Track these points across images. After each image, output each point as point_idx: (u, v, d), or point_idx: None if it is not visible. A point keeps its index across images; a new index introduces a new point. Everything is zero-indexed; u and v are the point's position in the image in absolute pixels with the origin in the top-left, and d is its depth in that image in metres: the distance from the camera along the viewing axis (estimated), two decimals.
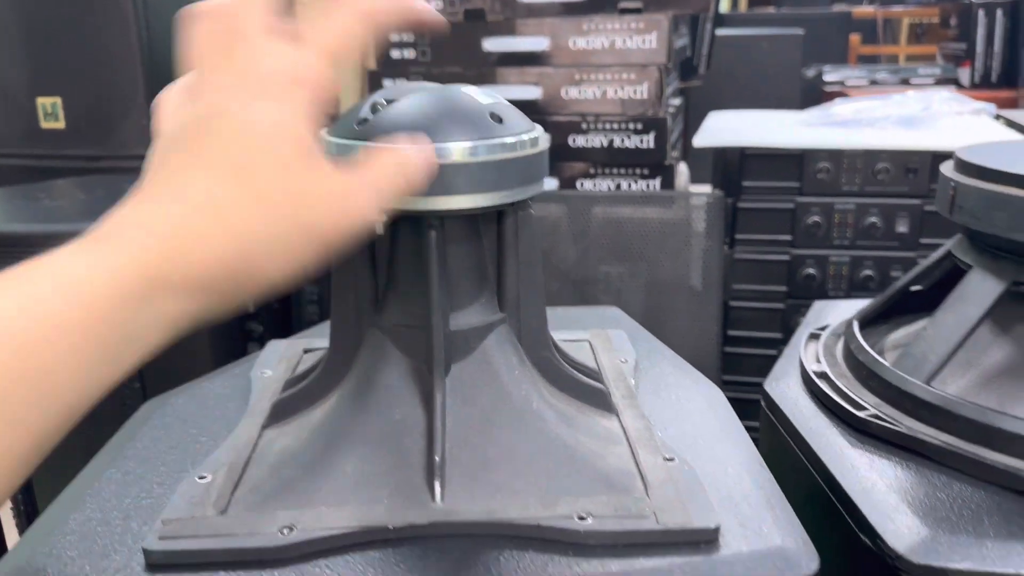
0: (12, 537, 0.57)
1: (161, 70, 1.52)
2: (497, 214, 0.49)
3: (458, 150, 0.44)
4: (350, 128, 0.46)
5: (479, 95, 0.48)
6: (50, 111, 1.52)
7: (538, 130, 0.48)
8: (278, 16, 0.38)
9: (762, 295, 1.45)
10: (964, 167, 0.54)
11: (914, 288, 0.64)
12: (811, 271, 1.41)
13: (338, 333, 0.51)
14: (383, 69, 1.50)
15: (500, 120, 0.46)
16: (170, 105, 0.38)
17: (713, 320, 1.46)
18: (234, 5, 0.38)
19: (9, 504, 0.56)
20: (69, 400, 0.30)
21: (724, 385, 1.49)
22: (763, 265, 1.43)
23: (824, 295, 1.41)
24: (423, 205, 0.45)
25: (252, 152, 0.34)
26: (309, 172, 0.35)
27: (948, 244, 0.59)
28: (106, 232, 0.33)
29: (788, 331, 1.46)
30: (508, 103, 0.49)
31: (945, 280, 0.61)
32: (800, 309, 1.48)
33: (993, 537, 0.42)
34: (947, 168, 0.57)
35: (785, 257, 1.42)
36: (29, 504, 0.57)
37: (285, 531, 0.41)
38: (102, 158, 1.51)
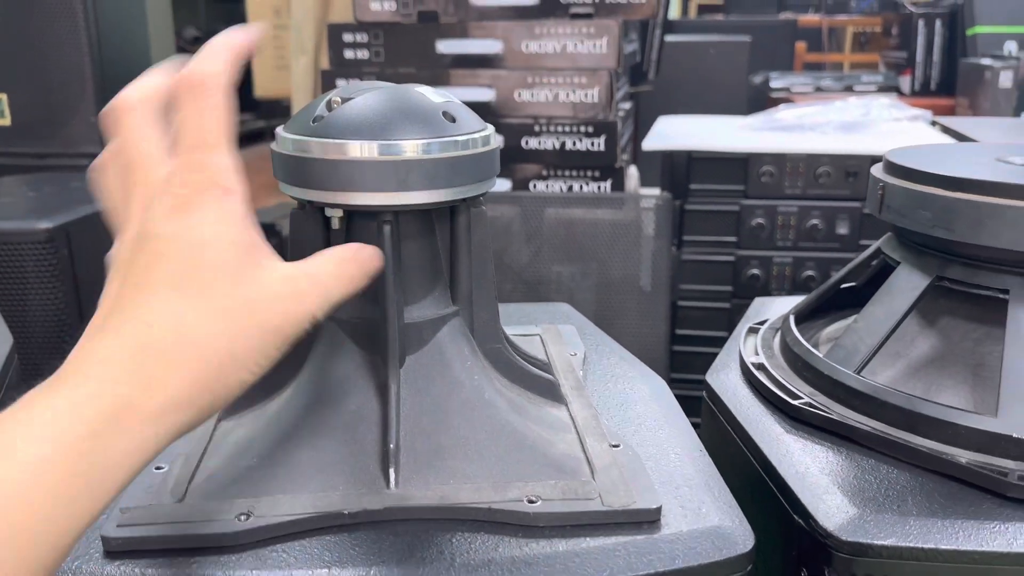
0: None
1: (110, 67, 1.51)
2: (450, 210, 0.51)
3: (412, 147, 0.46)
4: (306, 125, 0.47)
5: (432, 94, 0.49)
6: None
7: (489, 129, 0.50)
8: (161, 125, 0.39)
9: (709, 295, 1.49)
10: (892, 168, 0.58)
11: (847, 285, 0.67)
12: (755, 271, 1.45)
13: None
14: (336, 69, 1.51)
15: (453, 119, 0.48)
16: (116, 257, 0.39)
17: (662, 319, 1.49)
18: (123, 142, 0.39)
19: None
20: (50, 539, 0.31)
21: (672, 383, 1.52)
22: (709, 266, 1.47)
23: (768, 295, 1.45)
24: (378, 201, 0.46)
25: (199, 267, 0.35)
26: (257, 272, 0.37)
27: (879, 242, 0.62)
28: (71, 371, 0.33)
29: (733, 329, 1.49)
30: (460, 103, 0.50)
31: (876, 278, 0.65)
32: (745, 308, 1.52)
33: (916, 515, 0.45)
34: (877, 170, 0.60)
35: (730, 258, 1.46)
36: None
37: (242, 517, 0.42)
38: (49, 156, 1.49)
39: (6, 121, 1.49)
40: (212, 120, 0.38)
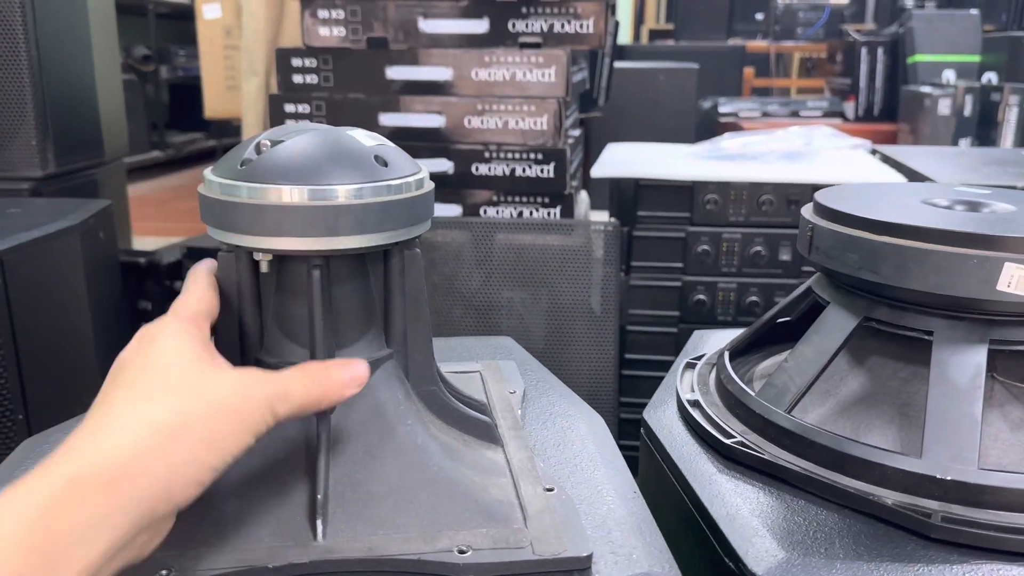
0: None
1: (52, 88, 1.48)
2: (384, 252, 0.51)
3: (343, 192, 0.46)
4: (234, 168, 0.47)
5: (364, 138, 0.49)
6: None
7: (423, 172, 0.50)
8: None
9: (656, 320, 1.50)
10: (820, 210, 0.59)
11: (781, 320, 0.68)
12: (701, 297, 1.47)
13: None
14: (285, 94, 1.50)
15: (385, 163, 0.48)
16: None
17: (611, 344, 1.50)
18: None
19: None
20: None
21: (621, 407, 1.53)
22: (657, 291, 1.48)
23: (713, 320, 1.48)
24: (308, 246, 0.46)
25: (148, 371, 0.40)
26: (205, 367, 0.41)
27: (809, 281, 0.63)
28: (49, 463, 0.36)
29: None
30: (394, 146, 0.50)
31: (810, 313, 0.66)
32: (691, 333, 1.55)
33: (843, 558, 0.46)
34: (807, 211, 0.61)
35: (677, 283, 1.47)
36: None
37: (163, 573, 0.41)
38: None
39: None
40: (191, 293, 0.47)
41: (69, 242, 1.21)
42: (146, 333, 0.43)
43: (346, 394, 0.45)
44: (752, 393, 0.57)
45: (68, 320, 1.22)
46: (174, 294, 1.59)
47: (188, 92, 3.87)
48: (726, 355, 0.63)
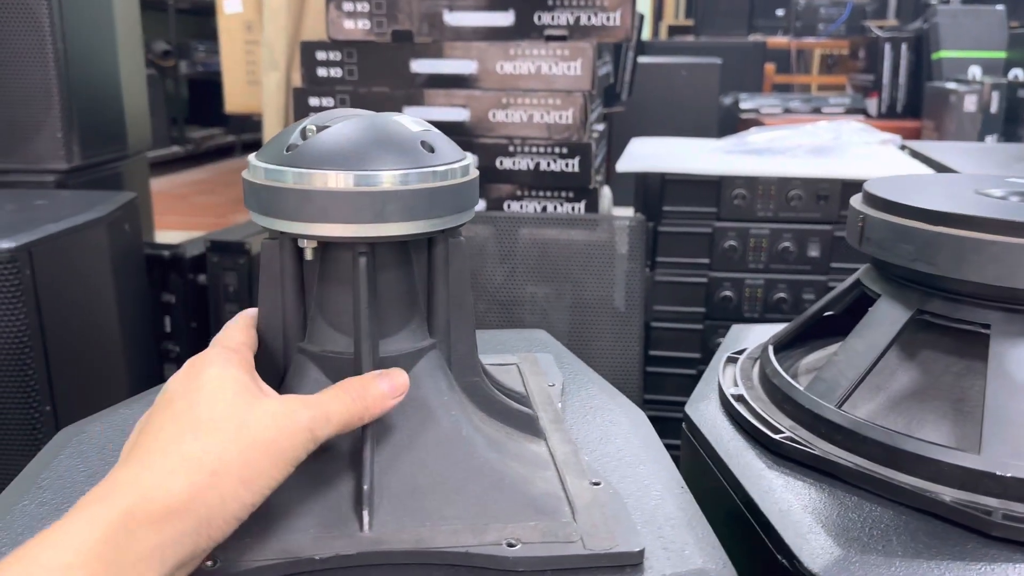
0: None
1: (78, 82, 1.48)
2: (428, 240, 0.50)
3: (389, 178, 0.45)
4: (279, 154, 0.46)
5: (410, 123, 0.48)
6: None
7: (469, 159, 0.49)
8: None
9: (681, 316, 1.49)
10: (872, 200, 0.57)
11: (827, 313, 0.67)
12: (728, 293, 1.45)
13: (264, 358, 0.50)
14: (309, 87, 1.49)
15: (431, 149, 0.47)
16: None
17: (635, 340, 1.49)
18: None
19: None
20: None
21: (645, 404, 1.52)
22: (682, 287, 1.47)
23: (740, 317, 1.46)
24: (353, 233, 0.45)
25: (197, 404, 0.41)
26: (251, 401, 0.42)
27: (858, 273, 0.62)
28: (97, 495, 0.37)
29: (706, 351, 1.50)
30: (439, 132, 0.49)
31: (855, 306, 0.64)
32: (717, 330, 1.53)
33: (901, 556, 0.44)
34: (856, 201, 0.60)
35: (703, 279, 1.46)
36: None
37: (208, 564, 0.41)
38: (13, 171, 1.45)
39: None
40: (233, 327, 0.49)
41: (95, 234, 1.21)
42: (194, 365, 0.44)
43: (387, 406, 0.45)
44: (800, 388, 0.56)
45: (94, 312, 1.22)
46: (198, 288, 1.58)
47: (208, 87, 3.88)
48: (770, 349, 0.62)
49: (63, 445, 0.54)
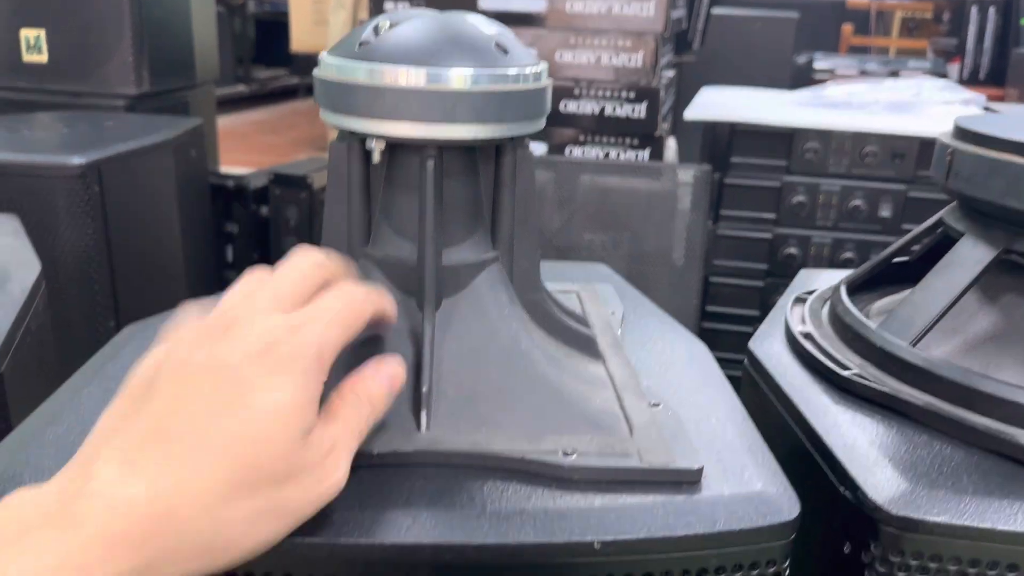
0: None
1: (148, 8, 1.49)
2: (495, 150, 0.49)
3: (459, 77, 0.44)
4: (351, 49, 0.45)
5: (485, 24, 0.47)
6: (33, 44, 1.48)
7: (543, 65, 0.48)
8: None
9: (742, 272, 1.46)
10: (962, 134, 0.55)
11: (902, 259, 0.64)
12: (792, 250, 1.42)
13: None
14: None
15: (505, 51, 0.45)
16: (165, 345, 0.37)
17: (693, 294, 1.47)
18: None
19: None
20: None
21: None
22: (745, 242, 1.44)
23: None
24: (422, 133, 0.44)
25: (244, 432, 0.33)
26: (301, 452, 0.34)
27: (941, 212, 0.59)
28: (76, 510, 0.30)
29: (765, 309, 1.46)
30: (513, 35, 0.48)
31: (932, 253, 0.62)
32: (779, 288, 1.49)
33: (971, 494, 0.43)
34: (944, 136, 0.57)
35: (768, 235, 1.42)
36: (4, 424, 0.56)
37: None
38: (84, 95, 1.48)
39: (43, 58, 1.48)
40: (344, 315, 0.38)
41: (163, 156, 1.23)
42: (268, 360, 0.34)
43: (393, 396, 0.41)
44: (872, 325, 0.54)
45: (159, 234, 1.25)
46: (260, 220, 1.59)
47: (275, 27, 3.89)
48: (843, 288, 0.60)
49: (129, 339, 0.55)
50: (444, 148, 0.46)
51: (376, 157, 0.47)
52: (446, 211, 0.48)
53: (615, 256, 1.51)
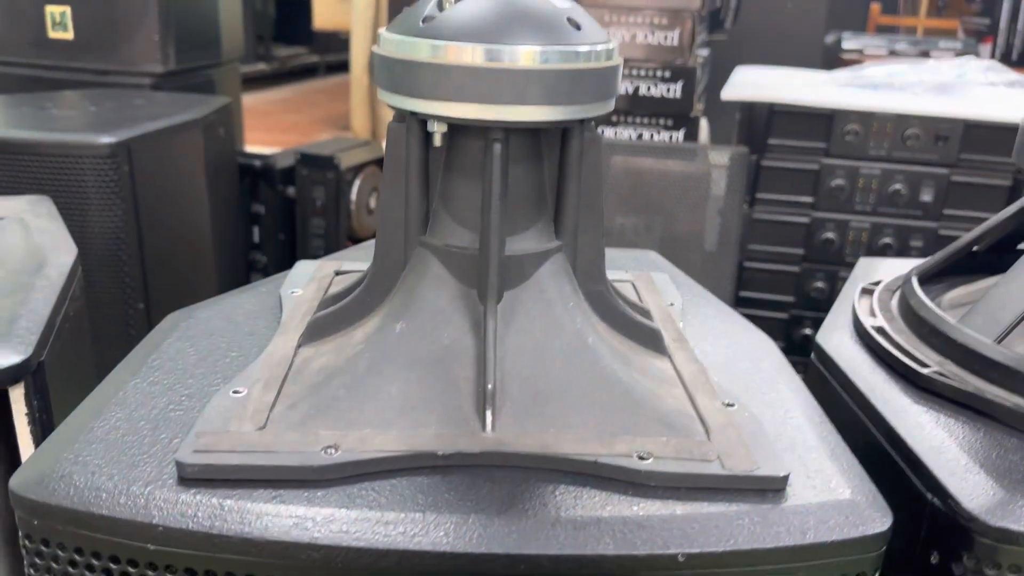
0: (27, 448, 0.54)
1: None
2: (562, 134, 0.46)
3: (529, 55, 0.41)
4: (414, 25, 0.42)
5: None
6: (59, 20, 1.46)
7: (614, 42, 0.45)
8: None
9: (778, 257, 1.42)
10: None
11: (973, 248, 0.61)
12: (830, 235, 1.38)
13: (383, 250, 0.48)
14: None
15: (578, 26, 0.43)
16: None
17: (727, 279, 1.44)
18: None
19: (24, 410, 0.53)
20: None
21: None
22: (782, 226, 1.40)
23: (841, 261, 1.39)
24: (488, 115, 0.42)
25: None
26: None
27: (1022, 200, 0.56)
28: None
29: (801, 295, 1.43)
30: (584, 10, 0.45)
31: (1005, 242, 0.59)
32: (815, 273, 1.46)
33: None
34: None
35: (805, 220, 1.39)
36: (45, 413, 0.55)
37: (330, 451, 0.39)
38: (110, 72, 1.46)
39: (68, 35, 1.46)
40: None
41: (192, 135, 1.21)
42: None
43: None
44: (952, 321, 0.51)
45: (188, 214, 1.23)
46: (286, 200, 1.57)
47: (295, 5, 3.86)
48: (914, 280, 0.57)
49: (172, 328, 0.53)
50: (510, 131, 0.44)
51: (437, 140, 0.44)
52: (509, 198, 0.46)
53: (647, 240, 1.48)
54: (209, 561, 0.36)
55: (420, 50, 0.42)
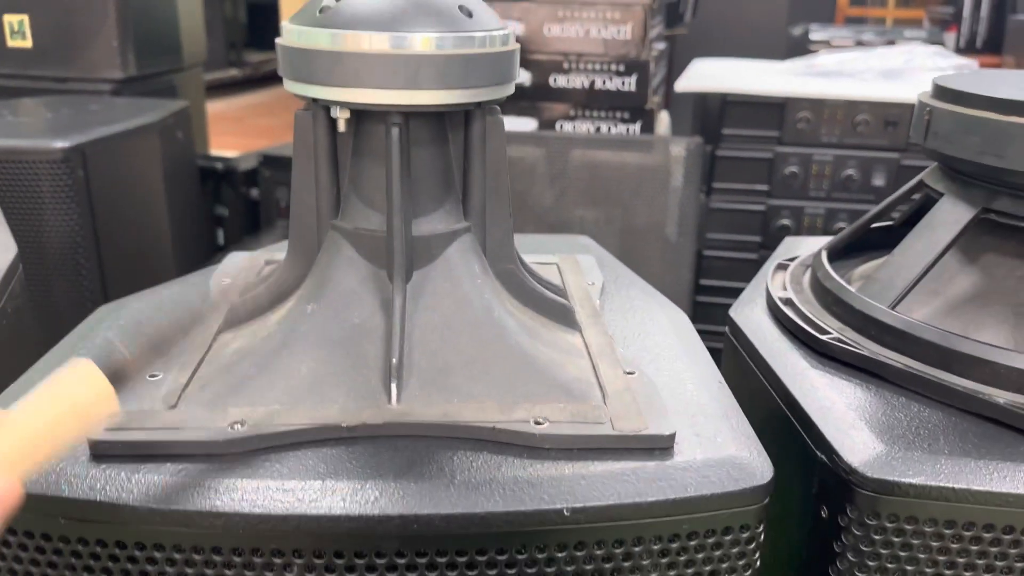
0: None
1: None
2: (464, 117, 0.48)
3: (424, 41, 0.43)
4: (312, 16, 0.44)
5: None
6: (16, 29, 1.47)
7: (509, 28, 0.47)
8: None
9: (736, 244, 1.45)
10: (940, 92, 0.54)
11: (885, 223, 0.63)
12: (785, 222, 1.41)
13: (296, 235, 0.50)
14: None
15: (470, 14, 0.45)
16: None
17: (686, 268, 1.46)
18: None
19: None
20: None
21: None
22: (738, 215, 1.43)
23: None
24: (386, 99, 0.44)
25: None
26: None
27: (921, 174, 0.58)
28: None
29: None
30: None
31: (914, 217, 0.61)
32: None
33: (948, 454, 0.42)
34: (923, 96, 0.56)
35: (761, 207, 1.41)
36: None
37: (236, 426, 0.40)
38: (70, 80, 1.46)
39: (27, 43, 1.47)
40: None
41: (148, 139, 1.22)
42: None
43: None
44: (852, 289, 0.53)
45: (146, 217, 1.24)
46: (250, 202, 1.57)
47: (266, 10, 3.86)
48: (823, 254, 0.59)
49: (101, 319, 0.55)
50: (410, 115, 0.45)
51: (341, 126, 0.46)
52: (415, 180, 0.47)
53: (607, 232, 1.50)
54: (117, 531, 0.38)
55: (318, 39, 0.44)
